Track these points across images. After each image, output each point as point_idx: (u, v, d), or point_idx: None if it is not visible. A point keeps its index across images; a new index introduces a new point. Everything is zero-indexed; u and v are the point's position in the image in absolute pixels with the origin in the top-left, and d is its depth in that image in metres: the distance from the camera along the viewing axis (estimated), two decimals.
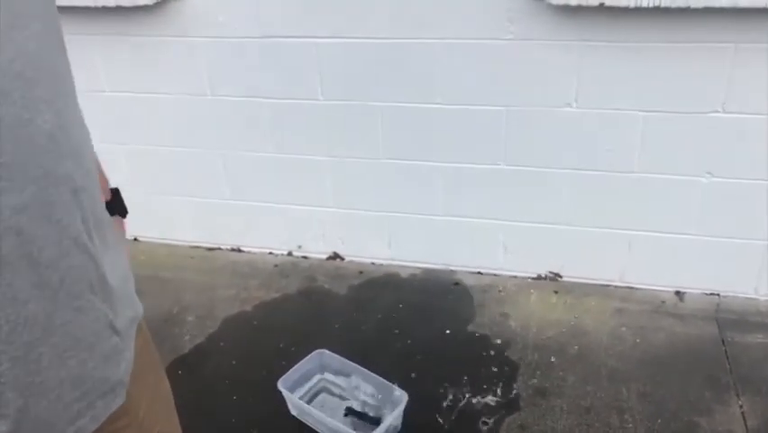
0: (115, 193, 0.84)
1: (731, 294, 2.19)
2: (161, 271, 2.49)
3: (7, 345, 0.52)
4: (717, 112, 1.92)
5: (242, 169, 2.44)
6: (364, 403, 1.80)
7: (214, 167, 2.46)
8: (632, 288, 2.27)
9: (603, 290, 2.27)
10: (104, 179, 0.84)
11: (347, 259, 2.53)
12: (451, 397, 1.84)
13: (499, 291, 2.30)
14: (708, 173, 2.02)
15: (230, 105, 2.31)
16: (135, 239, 2.65)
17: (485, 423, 1.75)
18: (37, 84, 0.52)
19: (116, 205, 0.84)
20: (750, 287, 2.17)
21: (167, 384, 0.86)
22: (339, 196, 2.40)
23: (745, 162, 1.98)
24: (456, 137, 2.16)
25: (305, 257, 2.57)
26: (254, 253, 2.61)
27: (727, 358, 1.94)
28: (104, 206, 0.64)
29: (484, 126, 2.12)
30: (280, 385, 1.75)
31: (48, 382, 0.56)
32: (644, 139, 2.01)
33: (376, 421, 1.70)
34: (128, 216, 0.85)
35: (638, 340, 2.03)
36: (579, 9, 1.87)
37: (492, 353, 2.01)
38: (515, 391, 1.85)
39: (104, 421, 0.64)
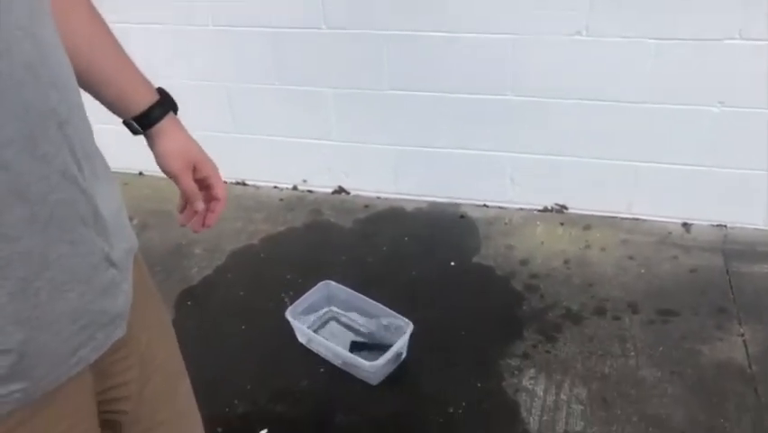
0: (162, 92, 0.86)
1: (738, 225, 2.18)
2: (167, 204, 2.46)
3: (3, 281, 0.52)
4: (734, 39, 1.85)
5: (246, 101, 2.41)
6: (370, 333, 1.83)
7: (218, 100, 2.42)
8: (638, 219, 2.26)
9: (609, 222, 2.26)
10: (148, 84, 0.85)
11: (352, 193, 2.52)
12: (455, 326, 1.87)
13: (505, 224, 2.30)
14: (720, 102, 1.97)
15: (232, 36, 2.26)
16: (140, 173, 2.65)
17: (488, 351, 1.79)
18: (9, 10, 0.49)
19: (166, 102, 0.86)
20: (759, 218, 2.15)
21: (166, 315, 0.87)
22: (343, 129, 2.37)
23: (759, 91, 1.92)
24: (463, 67, 2.11)
25: (310, 191, 2.56)
26: (259, 187, 2.61)
27: (731, 288, 1.94)
28: (92, 137, 0.63)
29: (491, 56, 2.06)
30: (288, 315, 1.78)
31: (47, 316, 0.56)
32: (655, 68, 1.95)
33: (382, 349, 1.74)
34: (155, 125, 0.89)
35: (643, 271, 2.03)
36: None
37: (497, 284, 2.03)
38: (518, 321, 1.88)
39: (105, 352, 0.65)
